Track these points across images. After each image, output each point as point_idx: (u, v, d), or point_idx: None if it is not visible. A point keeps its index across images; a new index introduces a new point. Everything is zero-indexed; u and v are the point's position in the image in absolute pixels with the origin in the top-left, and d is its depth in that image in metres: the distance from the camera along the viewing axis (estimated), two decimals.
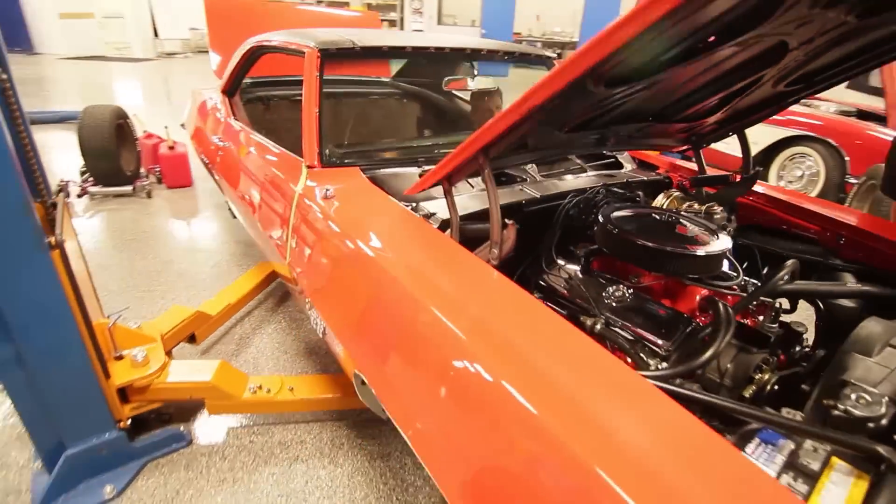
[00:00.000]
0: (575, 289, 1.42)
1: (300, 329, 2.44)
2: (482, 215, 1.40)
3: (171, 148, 4.16)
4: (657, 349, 1.20)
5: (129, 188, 3.92)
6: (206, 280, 2.84)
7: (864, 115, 4.69)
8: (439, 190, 1.32)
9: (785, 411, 0.92)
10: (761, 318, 1.41)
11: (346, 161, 1.66)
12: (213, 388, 1.72)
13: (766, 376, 1.12)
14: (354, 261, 1.26)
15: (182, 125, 3.65)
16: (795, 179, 4.49)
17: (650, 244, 1.34)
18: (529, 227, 1.58)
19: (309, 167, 1.62)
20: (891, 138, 4.06)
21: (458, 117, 2.73)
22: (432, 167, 1.69)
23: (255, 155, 2.04)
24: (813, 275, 1.66)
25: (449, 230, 1.36)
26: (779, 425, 0.86)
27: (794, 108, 5.03)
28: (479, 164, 1.15)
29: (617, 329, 1.27)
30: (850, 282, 1.59)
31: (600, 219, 1.48)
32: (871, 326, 1.10)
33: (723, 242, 1.36)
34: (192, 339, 2.13)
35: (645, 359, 1.19)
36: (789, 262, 1.35)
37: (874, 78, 6.62)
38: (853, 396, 0.87)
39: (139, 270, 2.89)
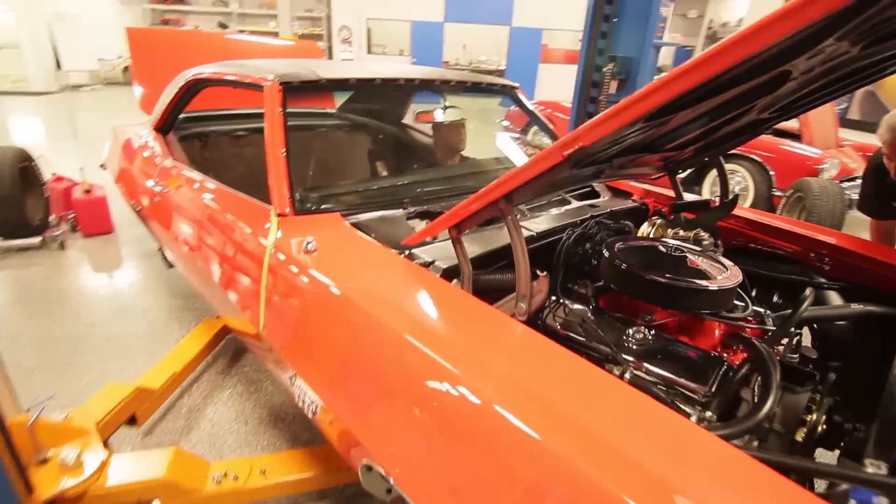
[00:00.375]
0: (591, 332, 1.31)
1: (260, 392, 2.16)
2: (486, 260, 1.26)
3: (88, 192, 3.69)
4: (694, 395, 1.12)
5: (36, 240, 3.41)
6: (140, 344, 2.47)
7: (778, 132, 5.12)
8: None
9: (868, 462, 0.84)
10: (780, 349, 1.37)
11: (323, 206, 1.47)
12: (168, 486, 1.42)
13: (815, 416, 1.05)
14: (358, 326, 1.07)
15: (102, 166, 3.24)
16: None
17: (664, 279, 1.27)
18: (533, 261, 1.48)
19: (280, 216, 1.41)
20: (806, 153, 4.45)
21: (420, 150, 2.60)
22: (420, 208, 1.56)
23: (202, 199, 1.78)
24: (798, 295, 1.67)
25: (456, 281, 1.22)
26: (872, 484, 0.78)
27: None
28: (501, 211, 1.02)
29: (646, 376, 1.17)
30: (836, 301, 1.62)
31: (605, 253, 1.41)
32: None
33: (735, 274, 1.31)
34: (132, 420, 1.80)
35: (682, 407, 1.10)
36: (808, 291, 1.33)
37: None
38: None
39: (57, 339, 2.46)
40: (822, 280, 1.67)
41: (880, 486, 0.77)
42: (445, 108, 2.07)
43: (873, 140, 5.20)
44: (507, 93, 2.37)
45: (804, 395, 1.08)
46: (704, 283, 1.25)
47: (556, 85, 11.67)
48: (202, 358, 2.20)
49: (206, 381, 2.22)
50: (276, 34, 12.62)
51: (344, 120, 3.02)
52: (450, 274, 1.24)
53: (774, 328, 1.31)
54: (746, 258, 1.85)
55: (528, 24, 13.56)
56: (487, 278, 1.16)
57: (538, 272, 1.02)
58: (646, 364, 1.19)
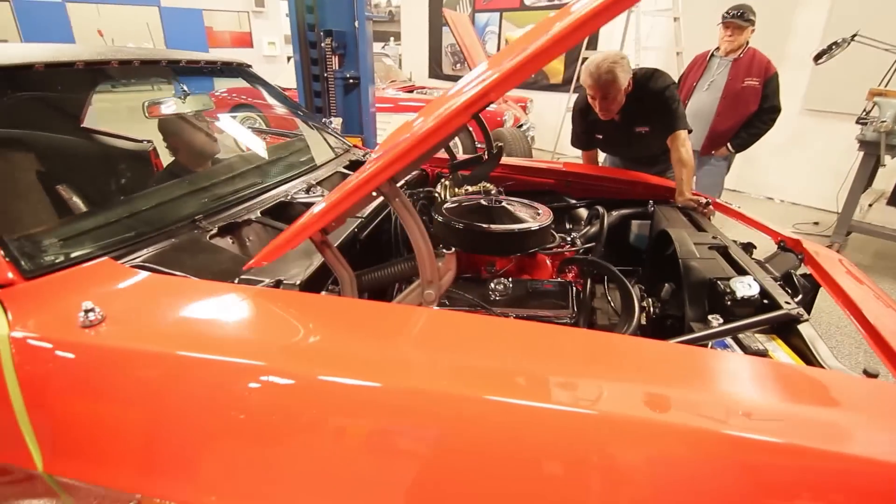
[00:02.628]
0: (458, 298, 1.30)
1: None
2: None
3: None
4: (566, 319, 1.24)
5: None
6: None
7: None
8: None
9: (711, 318, 1.09)
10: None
11: (76, 255, 0.96)
12: None
13: (649, 301, 1.31)
14: (227, 388, 0.76)
15: None
16: None
17: (502, 230, 1.36)
18: (367, 251, 1.35)
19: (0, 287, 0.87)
20: (489, 110, 5.38)
21: (138, 159, 1.99)
22: (221, 222, 1.20)
23: None
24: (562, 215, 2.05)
25: (328, 292, 1.01)
26: (731, 332, 1.02)
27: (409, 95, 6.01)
28: (386, 195, 0.86)
29: (524, 319, 1.24)
30: (585, 214, 2.05)
31: (439, 219, 1.41)
32: (677, 236, 1.43)
33: (547, 212, 1.50)
34: None
35: None
36: (601, 210, 1.63)
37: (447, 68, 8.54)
38: (735, 286, 1.12)
39: None
40: (573, 200, 2.08)
41: (727, 333, 1.02)
42: (185, 96, 1.62)
43: (523, 93, 6.72)
44: (241, 73, 2.03)
45: (636, 288, 1.33)
46: (532, 224, 1.39)
47: None
48: None
49: None
50: None
51: None
52: (310, 287, 1.02)
53: (591, 245, 1.57)
54: (519, 197, 2.15)
55: (182, 4, 11.92)
56: (374, 276, 0.99)
57: (444, 250, 0.92)
58: (517, 309, 1.26)
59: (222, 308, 0.88)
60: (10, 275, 0.88)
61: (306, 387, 0.73)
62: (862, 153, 3.60)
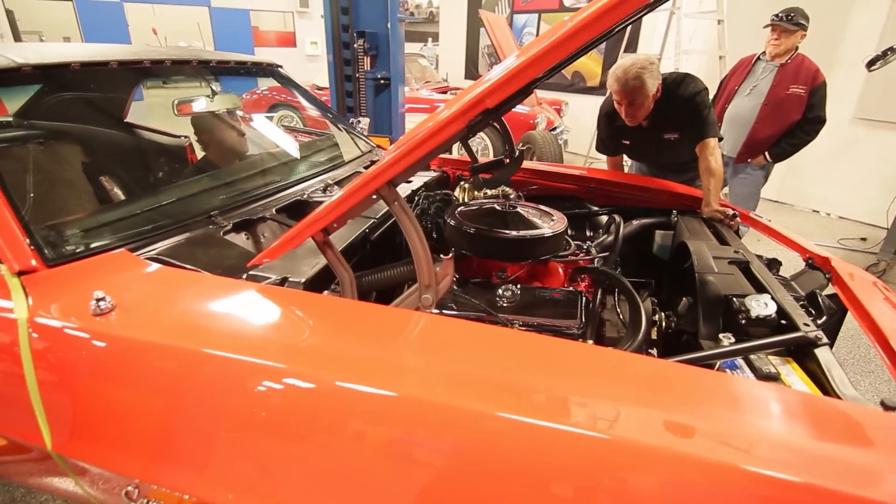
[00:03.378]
0: (464, 303, 1.29)
1: None
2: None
3: None
4: (573, 329, 1.22)
5: None
6: None
7: None
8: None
9: (721, 337, 1.05)
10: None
11: (95, 245, 1.02)
12: None
13: (660, 315, 1.27)
14: (226, 383, 0.79)
15: None
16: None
17: (514, 235, 1.35)
18: (378, 252, 1.37)
19: (22, 274, 0.92)
20: (522, 112, 5.34)
21: (173, 154, 2.08)
22: (235, 218, 1.24)
23: None
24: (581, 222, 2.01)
25: (328, 292, 1.03)
26: (743, 352, 0.98)
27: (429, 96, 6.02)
28: (385, 199, 0.87)
29: (529, 327, 1.22)
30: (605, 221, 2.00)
31: (451, 222, 1.41)
32: (695, 248, 1.38)
33: (561, 218, 1.47)
34: None
35: None
36: (618, 219, 1.59)
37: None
38: (750, 304, 1.07)
39: None
40: (596, 208, 2.03)
41: (736, 354, 0.98)
42: (213, 95, 1.68)
43: (558, 96, 6.62)
44: (272, 73, 2.09)
45: (648, 301, 1.29)
46: (544, 231, 1.37)
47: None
48: None
49: None
50: None
51: (31, 129, 2.18)
52: (314, 286, 1.04)
53: (605, 255, 1.53)
54: (539, 202, 2.13)
55: (230, 5, 12.36)
56: (374, 278, 1.01)
57: (441, 255, 0.92)
58: (523, 317, 1.24)
59: (226, 303, 0.91)
60: (34, 262, 0.94)
61: (325, 391, 0.74)
62: None
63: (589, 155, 6.03)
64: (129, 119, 2.18)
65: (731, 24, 4.83)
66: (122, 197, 1.32)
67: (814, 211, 5.14)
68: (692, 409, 0.70)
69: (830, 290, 1.31)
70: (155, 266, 0.99)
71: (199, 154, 2.02)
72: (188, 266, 1.02)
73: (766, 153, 2.88)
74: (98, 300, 0.86)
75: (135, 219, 1.14)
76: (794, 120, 2.77)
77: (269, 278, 1.03)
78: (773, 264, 1.42)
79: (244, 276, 1.03)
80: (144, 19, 11.99)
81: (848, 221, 4.85)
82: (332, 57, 3.45)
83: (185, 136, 2.17)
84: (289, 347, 0.79)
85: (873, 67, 3.32)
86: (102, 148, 1.57)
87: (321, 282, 1.07)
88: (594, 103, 6.50)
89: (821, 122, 2.78)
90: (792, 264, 1.53)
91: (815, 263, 1.37)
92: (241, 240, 1.24)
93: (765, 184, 3.12)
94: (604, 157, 2.39)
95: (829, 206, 5.04)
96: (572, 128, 6.44)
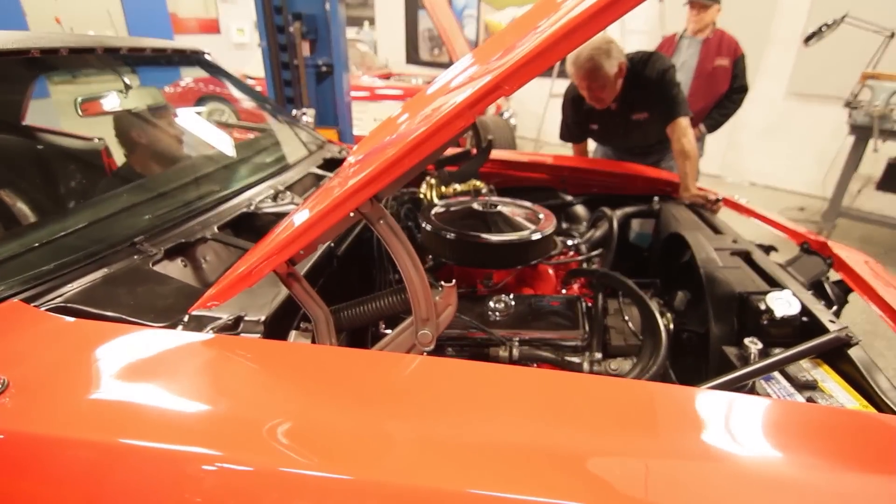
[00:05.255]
0: (454, 322, 1.13)
1: None
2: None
3: None
4: (577, 341, 1.09)
5: None
6: None
7: None
8: None
9: (747, 342, 0.95)
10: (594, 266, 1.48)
11: None
12: None
13: (668, 316, 1.17)
14: (158, 480, 0.59)
15: None
16: None
17: (501, 241, 1.20)
18: (347, 269, 1.18)
19: None
20: None
21: (87, 160, 1.75)
22: (167, 243, 1.00)
23: None
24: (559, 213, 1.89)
25: (297, 334, 0.83)
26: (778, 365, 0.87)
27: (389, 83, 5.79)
28: (368, 217, 0.68)
29: (529, 344, 1.08)
30: (582, 212, 1.90)
31: (427, 227, 1.24)
32: (693, 240, 1.28)
33: (549, 216, 1.33)
34: None
35: (571, 359, 1.06)
36: (608, 210, 1.48)
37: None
38: (773, 304, 0.98)
39: None
40: (571, 198, 1.92)
41: (776, 367, 0.87)
42: (127, 89, 1.39)
43: None
44: (197, 61, 1.81)
45: (655, 303, 1.18)
46: (535, 233, 1.23)
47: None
48: None
49: None
50: None
51: None
52: (277, 324, 0.84)
53: (599, 252, 1.41)
54: (510, 195, 1.99)
55: None
56: (356, 312, 0.81)
57: (442, 283, 0.74)
58: (520, 331, 1.10)
59: (166, 366, 0.69)
60: None
61: (267, 475, 0.56)
62: (852, 137, 3.53)
63: (539, 139, 5.99)
64: (27, 122, 1.84)
65: (671, 3, 4.88)
66: (18, 222, 1.04)
67: (751, 184, 5.36)
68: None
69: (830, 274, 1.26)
70: (62, 319, 0.76)
71: (120, 159, 1.71)
72: (108, 313, 0.79)
73: (701, 125, 2.93)
74: None
75: (28, 256, 0.87)
76: (722, 91, 2.86)
77: (218, 319, 0.81)
78: (767, 252, 1.36)
79: (185, 320, 0.81)
80: (45, 8, 10.71)
81: (785, 192, 5.10)
82: (266, 43, 3.13)
83: (101, 139, 1.85)
84: (252, 430, 0.60)
85: (810, 42, 3.43)
86: None
87: (285, 317, 0.87)
88: (538, 87, 6.47)
89: (745, 90, 2.88)
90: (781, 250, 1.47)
91: (812, 248, 1.32)
92: (176, 269, 1.00)
93: (702, 156, 3.19)
94: (554, 141, 2.30)
95: (766, 178, 5.27)
96: (519, 112, 6.37)
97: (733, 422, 0.63)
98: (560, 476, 0.54)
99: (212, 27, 12.75)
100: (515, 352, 1.05)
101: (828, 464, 0.58)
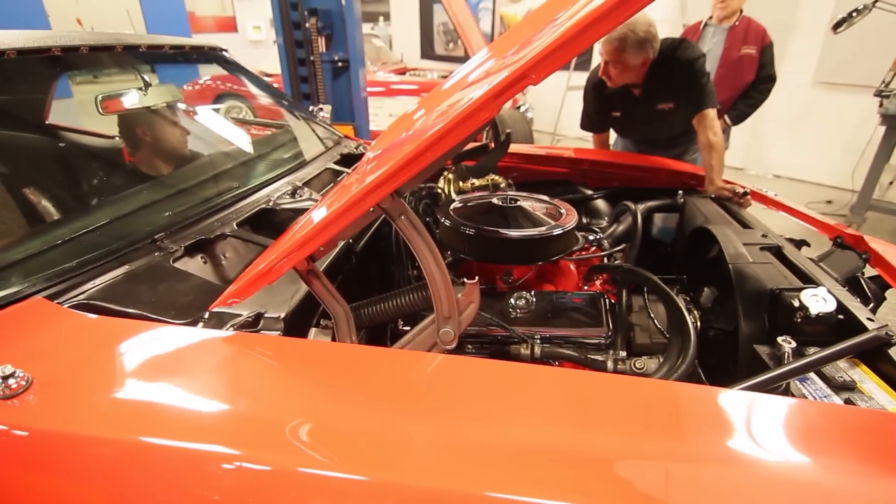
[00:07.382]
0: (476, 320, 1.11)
1: None
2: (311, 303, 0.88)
3: None
4: (601, 339, 1.07)
5: None
6: None
7: None
8: None
9: (780, 340, 0.91)
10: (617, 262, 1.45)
11: None
12: None
13: (696, 315, 1.13)
14: (185, 478, 0.59)
15: None
16: None
17: (522, 236, 1.17)
18: (365, 264, 1.17)
19: None
20: None
21: (108, 159, 1.78)
22: (187, 240, 1.00)
23: None
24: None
25: (317, 331, 0.82)
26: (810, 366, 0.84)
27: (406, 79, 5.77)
28: (388, 213, 0.67)
29: (551, 342, 1.06)
30: (604, 207, 1.86)
31: (447, 222, 1.22)
32: (721, 235, 1.24)
33: (571, 211, 1.30)
34: None
35: (595, 357, 1.04)
36: (632, 205, 1.44)
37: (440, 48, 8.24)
38: (808, 301, 0.94)
39: None
40: (589, 191, 1.88)
41: (812, 367, 0.84)
42: (147, 87, 1.40)
43: None
44: (215, 58, 1.81)
45: (681, 298, 1.14)
46: (556, 228, 1.20)
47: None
48: None
49: None
50: None
51: None
52: (297, 321, 0.83)
53: (623, 248, 1.38)
54: (528, 189, 1.96)
55: None
56: (376, 310, 0.80)
57: (464, 280, 0.73)
58: (542, 329, 1.08)
59: (186, 363, 0.69)
60: None
61: (285, 475, 0.55)
62: (883, 128, 3.40)
63: (556, 133, 5.91)
64: (51, 120, 1.87)
65: None
66: (17, 226, 1.05)
67: (776, 176, 5.21)
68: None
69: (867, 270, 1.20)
70: (85, 317, 0.76)
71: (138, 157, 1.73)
72: (130, 310, 0.80)
73: (726, 116, 2.84)
74: (5, 377, 0.63)
75: (51, 253, 0.88)
76: (748, 81, 2.75)
77: (238, 315, 0.81)
78: (799, 246, 1.31)
79: (205, 317, 0.81)
80: (66, 8, 10.93)
81: (812, 185, 4.95)
82: (282, 39, 3.13)
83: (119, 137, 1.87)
84: (272, 430, 0.59)
85: (839, 29, 3.30)
86: (7, 157, 1.27)
87: (304, 314, 0.86)
88: (555, 80, 6.39)
89: (772, 80, 2.77)
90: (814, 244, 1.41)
91: (847, 243, 1.26)
92: (196, 266, 1.00)
93: (727, 148, 3.10)
94: (571, 134, 2.25)
95: (791, 170, 5.12)
96: (535, 105, 6.29)
97: (769, 425, 0.60)
98: (582, 481, 0.52)
99: (229, 25, 12.86)
100: (537, 350, 1.03)
101: (869, 470, 0.55)
